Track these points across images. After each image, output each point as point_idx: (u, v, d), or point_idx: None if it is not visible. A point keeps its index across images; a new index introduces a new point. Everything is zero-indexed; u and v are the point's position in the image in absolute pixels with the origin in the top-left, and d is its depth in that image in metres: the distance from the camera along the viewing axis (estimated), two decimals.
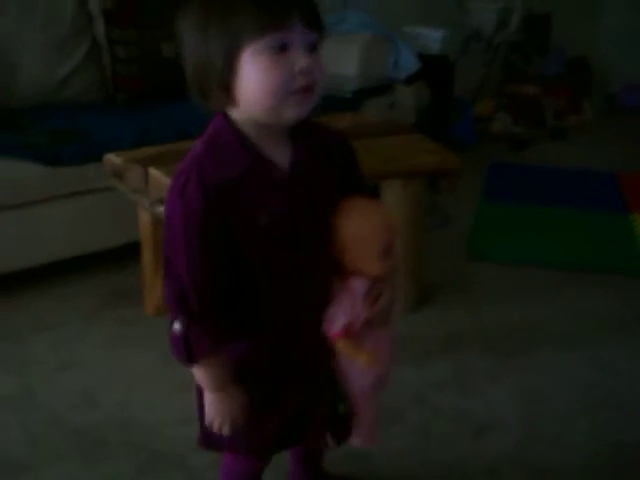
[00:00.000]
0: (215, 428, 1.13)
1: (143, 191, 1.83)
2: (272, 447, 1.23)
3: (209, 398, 1.11)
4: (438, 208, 2.95)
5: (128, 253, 2.41)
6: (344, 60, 3.04)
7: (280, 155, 1.02)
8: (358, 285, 1.09)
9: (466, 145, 3.92)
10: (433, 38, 3.56)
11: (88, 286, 2.40)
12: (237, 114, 0.99)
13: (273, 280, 1.06)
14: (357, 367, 1.13)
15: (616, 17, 5.17)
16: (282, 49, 0.92)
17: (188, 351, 1.03)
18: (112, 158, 1.98)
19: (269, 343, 1.11)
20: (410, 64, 3.24)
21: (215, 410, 1.11)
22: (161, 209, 1.76)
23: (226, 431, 1.12)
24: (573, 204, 3.24)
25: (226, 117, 1.00)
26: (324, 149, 1.07)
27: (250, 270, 1.04)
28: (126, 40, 2.86)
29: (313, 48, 0.95)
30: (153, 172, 1.76)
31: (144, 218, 2.12)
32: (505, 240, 2.86)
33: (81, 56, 2.85)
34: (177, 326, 1.02)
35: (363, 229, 1.07)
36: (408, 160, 2.08)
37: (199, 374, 1.08)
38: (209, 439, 1.22)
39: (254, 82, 0.93)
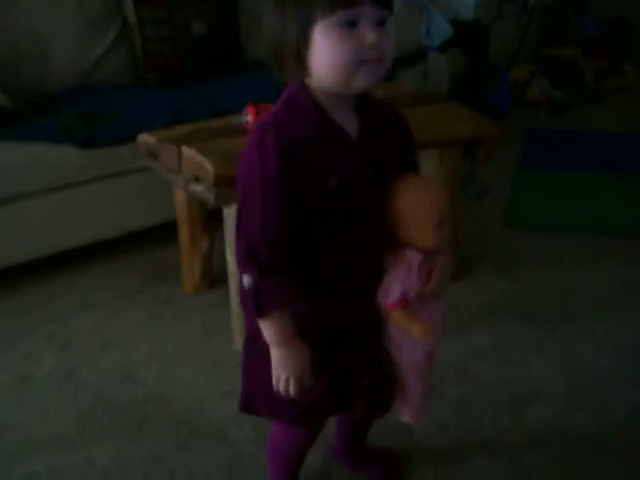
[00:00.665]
0: (282, 385, 1.12)
1: (177, 170, 1.83)
2: (316, 414, 1.23)
3: (276, 354, 1.11)
4: (475, 178, 2.90)
5: (165, 232, 2.44)
6: None
7: (348, 123, 1.06)
8: (413, 256, 1.12)
9: (503, 112, 3.84)
10: (466, 3, 3.50)
11: (127, 266, 2.43)
12: (310, 83, 1.04)
13: (334, 242, 1.09)
14: (410, 339, 1.15)
15: None
16: (351, 24, 0.96)
17: (258, 304, 1.05)
18: (146, 138, 1.98)
19: (324, 305, 1.12)
20: (443, 31, 3.18)
21: (282, 366, 1.11)
22: (195, 187, 1.76)
23: (293, 389, 1.12)
24: (613, 169, 3.16)
25: (301, 84, 1.04)
26: (384, 121, 1.12)
27: (314, 230, 1.07)
28: (156, 19, 2.85)
29: (382, 23, 0.98)
30: (186, 150, 1.76)
31: (179, 197, 2.14)
32: (543, 208, 2.81)
33: (112, 37, 2.86)
34: (247, 280, 1.04)
35: (420, 203, 1.11)
36: (443, 129, 2.04)
37: (266, 328, 1.09)
38: (250, 403, 1.24)
39: (325, 55, 0.97)
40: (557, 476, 1.48)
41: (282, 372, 1.11)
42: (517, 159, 3.32)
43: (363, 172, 1.07)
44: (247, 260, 1.04)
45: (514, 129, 3.61)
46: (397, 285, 1.12)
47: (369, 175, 1.08)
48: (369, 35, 0.96)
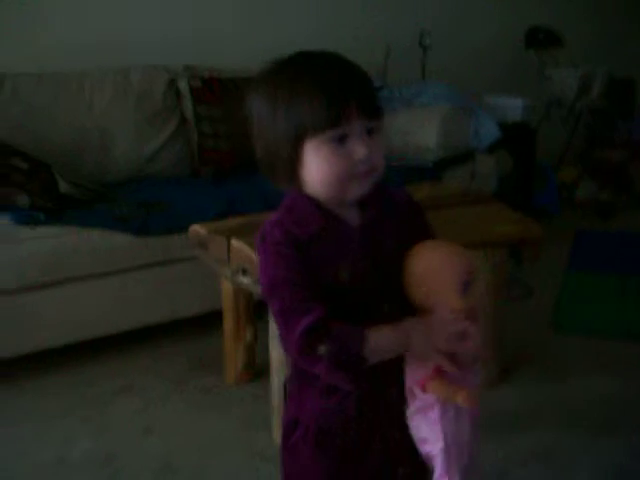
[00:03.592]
0: (452, 339, 1.01)
1: (225, 261, 1.88)
2: None
3: (415, 342, 1.02)
4: (521, 279, 2.89)
5: (211, 321, 2.48)
6: (424, 131, 3.09)
7: (351, 216, 1.06)
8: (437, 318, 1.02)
9: (550, 213, 3.86)
10: (514, 106, 3.58)
11: (171, 353, 2.46)
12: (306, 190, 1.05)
13: None
14: (452, 412, 1.07)
15: None
16: (342, 139, 0.98)
17: (346, 351, 0.99)
18: (197, 229, 2.05)
19: (350, 397, 1.08)
20: (491, 133, 3.25)
21: (425, 337, 1.02)
22: (242, 279, 1.81)
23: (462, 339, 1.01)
24: None
25: (299, 190, 1.05)
26: (390, 206, 1.11)
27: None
28: (212, 117, 3.00)
29: (371, 132, 1.00)
30: (235, 242, 1.82)
31: (226, 287, 2.18)
32: (591, 312, 2.77)
33: (170, 132, 3.02)
34: (324, 349, 0.97)
35: (436, 260, 1.04)
36: (488, 230, 2.06)
37: (381, 346, 1.01)
38: None
39: (317, 171, 0.99)
40: None
41: (432, 337, 1.02)
42: (565, 261, 3.30)
43: (370, 259, 1.05)
44: (308, 337, 0.97)
45: (563, 230, 3.61)
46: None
47: (377, 261, 1.05)
48: (359, 150, 0.98)
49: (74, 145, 2.78)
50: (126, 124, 2.90)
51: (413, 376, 1.07)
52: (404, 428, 1.12)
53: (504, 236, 2.09)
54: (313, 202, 1.05)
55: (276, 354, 1.84)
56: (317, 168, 0.99)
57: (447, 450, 1.10)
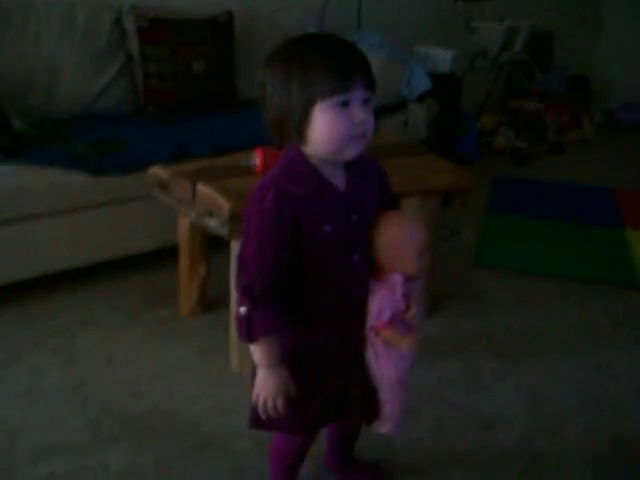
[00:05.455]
0: (260, 403, 1.32)
1: (189, 203, 2.02)
2: (314, 426, 1.44)
3: (260, 374, 1.32)
4: (446, 222, 3.15)
5: (163, 257, 2.62)
6: None
7: (338, 179, 1.29)
8: (397, 280, 1.33)
9: (471, 159, 4.13)
10: (444, 58, 3.77)
11: (126, 287, 2.60)
12: (306, 149, 1.25)
13: (327, 279, 1.30)
14: (395, 355, 1.35)
15: (616, 37, 5.40)
16: (345, 104, 1.18)
17: (249, 331, 1.25)
18: (158, 171, 2.17)
19: (319, 334, 1.33)
20: (422, 83, 3.44)
21: (263, 386, 1.31)
22: (208, 221, 1.96)
23: (269, 407, 1.31)
24: (571, 218, 3.45)
25: (297, 150, 1.25)
26: (368, 173, 1.34)
27: (309, 270, 1.28)
28: (159, 57, 3.06)
29: (367, 102, 1.21)
30: (201, 187, 1.95)
31: (183, 226, 2.32)
32: (509, 251, 3.07)
33: (116, 70, 3.06)
34: (242, 310, 1.25)
35: (401, 237, 1.32)
36: (426, 179, 2.28)
37: (256, 352, 1.30)
38: (258, 420, 1.41)
39: (323, 130, 1.19)
40: None
41: (262, 391, 1.32)
42: (483, 203, 3.59)
43: (351, 219, 1.28)
44: (244, 294, 1.25)
45: (481, 175, 3.88)
46: (387, 308, 1.32)
47: (357, 222, 1.29)
48: (359, 114, 1.18)
49: (21, 80, 2.79)
50: (73, 60, 2.92)
51: (372, 321, 1.34)
52: (361, 361, 1.39)
53: (439, 185, 2.31)
54: (309, 164, 1.25)
55: None
56: (324, 127, 1.18)
57: (390, 382, 1.39)
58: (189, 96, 3.11)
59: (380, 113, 3.27)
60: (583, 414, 1.98)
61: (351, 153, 1.22)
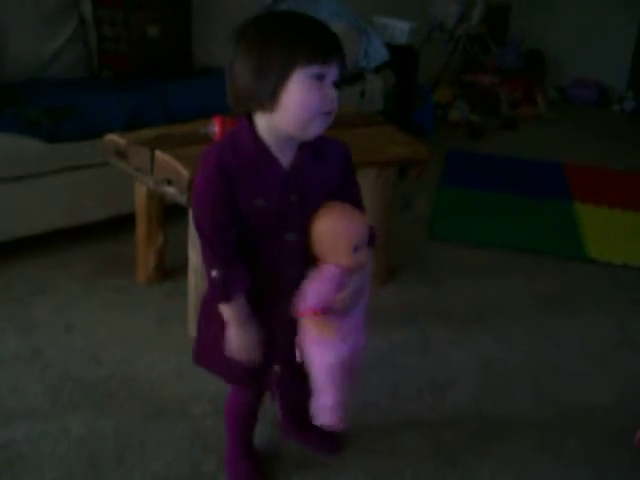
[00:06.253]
0: (237, 356, 1.36)
1: (147, 171, 2.02)
2: (243, 381, 1.49)
3: (234, 332, 1.35)
4: (402, 192, 3.20)
5: (117, 225, 2.62)
6: None
7: (285, 157, 1.29)
8: (327, 272, 1.32)
9: (426, 131, 4.18)
10: (401, 29, 3.79)
11: (81, 255, 2.59)
12: (261, 119, 1.26)
13: (258, 253, 1.33)
14: (326, 342, 1.34)
15: (570, 13, 5.48)
16: (320, 78, 1.20)
17: (225, 291, 1.30)
18: (114, 138, 2.16)
19: (258, 297, 1.35)
20: (380, 54, 3.46)
21: (238, 342, 1.35)
22: (167, 189, 1.96)
23: (246, 359, 1.36)
24: (523, 192, 3.54)
25: (248, 121, 1.27)
26: (326, 156, 1.34)
27: (244, 242, 1.31)
28: (112, 20, 3.00)
29: (336, 83, 1.23)
30: (159, 154, 1.95)
31: (140, 194, 2.31)
32: (461, 222, 3.14)
33: (69, 33, 3.00)
34: (215, 273, 1.29)
35: (335, 229, 1.31)
36: (381, 150, 2.31)
37: (229, 311, 1.33)
38: (199, 356, 1.51)
39: (297, 99, 1.20)
40: (470, 448, 1.77)
41: (238, 346, 1.36)
42: (437, 176, 3.65)
43: (290, 198, 1.29)
44: (213, 258, 1.29)
45: (436, 148, 3.94)
46: (311, 295, 1.32)
47: (295, 202, 1.30)
48: (330, 91, 1.21)
49: None
50: (23, 22, 2.86)
51: (298, 305, 1.33)
52: (286, 341, 1.41)
53: (395, 156, 2.35)
54: (255, 137, 1.26)
55: (194, 255, 2.03)
56: (298, 96, 1.19)
57: (321, 370, 1.38)
58: (144, 61, 3.06)
59: (338, 83, 3.29)
60: (531, 379, 2.07)
61: (315, 130, 1.24)
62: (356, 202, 1.40)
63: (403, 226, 2.92)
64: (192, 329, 2.13)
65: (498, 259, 2.83)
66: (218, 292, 1.31)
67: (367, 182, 2.29)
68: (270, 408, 1.74)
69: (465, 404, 1.94)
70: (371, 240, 1.37)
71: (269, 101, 1.21)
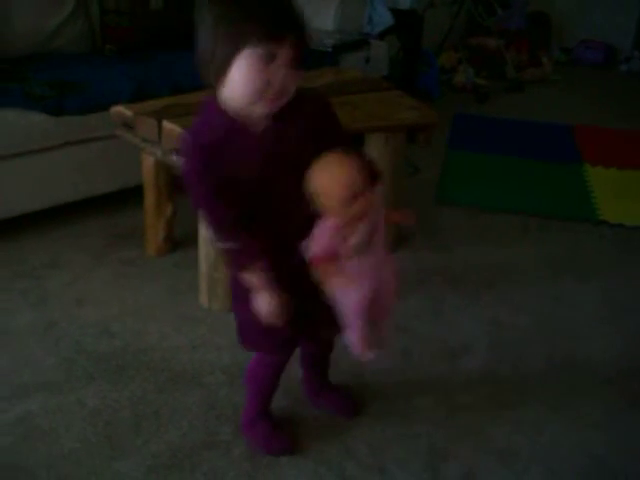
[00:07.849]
0: (271, 321, 1.36)
1: (155, 141, 2.00)
2: (287, 344, 1.51)
3: (262, 298, 1.35)
4: (409, 158, 3.17)
5: (126, 197, 2.61)
6: (323, 15, 3.21)
7: (254, 123, 1.26)
8: (326, 224, 1.31)
9: (431, 96, 4.14)
10: None
11: (91, 229, 2.59)
12: (221, 91, 1.24)
13: (262, 217, 1.34)
14: (341, 286, 1.36)
15: None
16: (270, 58, 1.16)
17: (245, 259, 1.32)
18: (121, 110, 2.14)
19: (272, 260, 1.35)
20: (384, 20, 3.42)
21: (267, 306, 1.35)
22: (174, 158, 1.95)
23: (279, 321, 1.36)
24: (530, 155, 3.52)
25: (214, 95, 1.26)
26: (299, 114, 1.29)
27: (249, 208, 1.32)
28: None
29: (294, 64, 1.19)
30: (167, 124, 1.94)
31: (148, 164, 2.30)
32: (469, 187, 3.13)
33: (71, 7, 2.97)
34: (230, 245, 1.31)
35: (326, 182, 1.28)
36: (390, 116, 2.29)
37: (251, 277, 1.34)
38: (241, 337, 1.52)
39: (238, 80, 1.19)
40: (484, 411, 1.78)
41: (267, 310, 1.35)
42: (444, 141, 3.62)
43: (269, 164, 1.28)
44: (223, 233, 1.31)
45: (441, 112, 3.90)
46: (314, 246, 1.32)
47: (277, 166, 1.28)
48: (276, 79, 1.17)
49: None
50: None
51: (305, 256, 1.33)
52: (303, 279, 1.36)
53: (403, 121, 2.33)
54: (221, 109, 1.24)
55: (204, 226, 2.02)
56: (239, 77, 1.17)
57: (344, 309, 1.40)
58: (147, 33, 3.04)
59: (342, 50, 3.26)
60: (542, 344, 2.07)
61: (260, 112, 1.22)
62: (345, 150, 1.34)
63: (412, 192, 2.90)
64: (203, 299, 2.14)
65: (507, 223, 2.81)
66: (236, 262, 1.33)
67: (376, 147, 2.28)
68: (286, 379, 1.73)
69: (478, 369, 1.94)
70: (374, 178, 1.33)
71: (218, 75, 1.20)
